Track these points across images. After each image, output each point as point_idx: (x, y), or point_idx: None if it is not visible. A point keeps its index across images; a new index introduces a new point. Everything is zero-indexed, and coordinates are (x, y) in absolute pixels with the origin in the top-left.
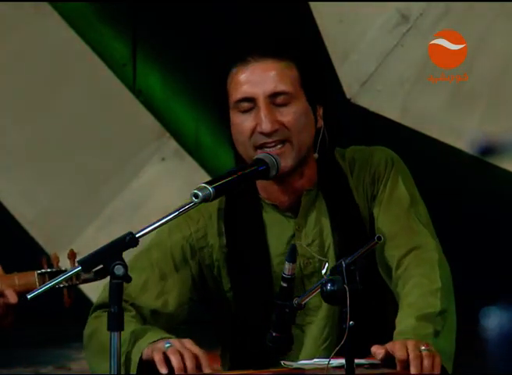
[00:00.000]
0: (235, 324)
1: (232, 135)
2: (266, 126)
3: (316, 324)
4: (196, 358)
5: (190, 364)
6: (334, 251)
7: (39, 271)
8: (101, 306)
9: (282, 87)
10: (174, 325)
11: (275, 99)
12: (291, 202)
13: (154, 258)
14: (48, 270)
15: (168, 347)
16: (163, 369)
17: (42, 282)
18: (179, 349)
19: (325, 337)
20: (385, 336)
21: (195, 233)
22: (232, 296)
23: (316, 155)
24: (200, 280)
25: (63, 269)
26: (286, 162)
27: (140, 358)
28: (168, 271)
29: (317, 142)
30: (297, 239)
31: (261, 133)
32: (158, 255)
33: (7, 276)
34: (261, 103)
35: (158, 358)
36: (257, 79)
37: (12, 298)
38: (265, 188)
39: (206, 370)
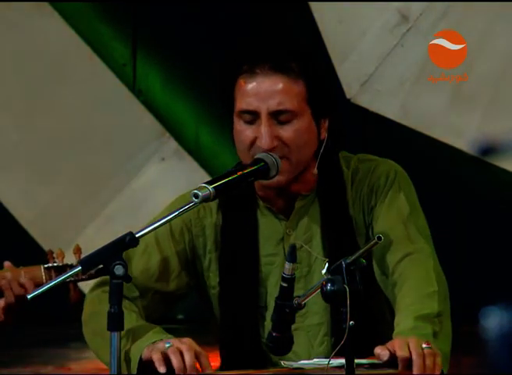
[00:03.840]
0: (221, 323)
1: (234, 139)
2: (265, 142)
3: (306, 330)
4: (196, 357)
5: (189, 362)
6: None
7: (45, 265)
8: (102, 284)
9: (286, 105)
10: (171, 305)
11: (278, 116)
12: (285, 205)
13: (155, 239)
14: (55, 264)
15: (169, 347)
16: (162, 368)
17: (48, 276)
18: (179, 349)
19: (319, 343)
20: (381, 336)
21: (194, 221)
22: (217, 293)
23: (316, 171)
24: (192, 268)
25: (69, 263)
26: (281, 178)
27: (140, 358)
28: (169, 253)
29: (318, 153)
30: (286, 242)
31: (260, 148)
32: (160, 237)
33: (14, 269)
34: (263, 119)
35: (156, 358)
36: (262, 93)
37: (9, 297)
38: (263, 188)
39: (206, 370)
